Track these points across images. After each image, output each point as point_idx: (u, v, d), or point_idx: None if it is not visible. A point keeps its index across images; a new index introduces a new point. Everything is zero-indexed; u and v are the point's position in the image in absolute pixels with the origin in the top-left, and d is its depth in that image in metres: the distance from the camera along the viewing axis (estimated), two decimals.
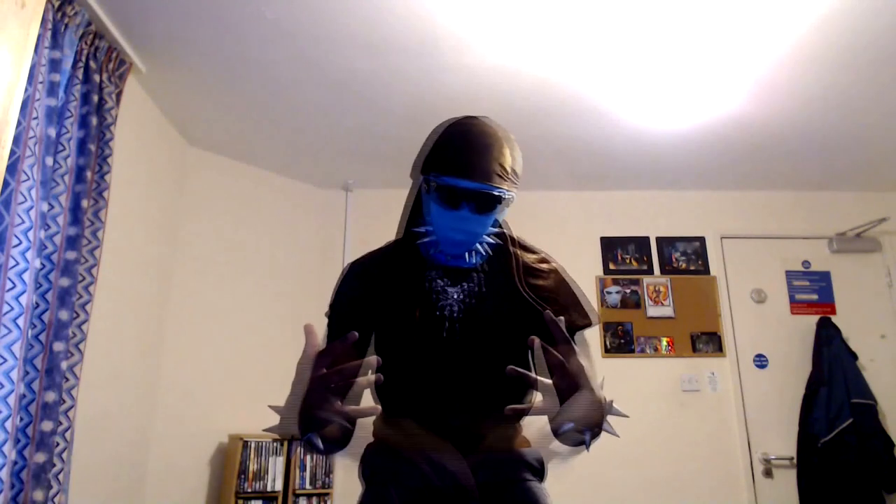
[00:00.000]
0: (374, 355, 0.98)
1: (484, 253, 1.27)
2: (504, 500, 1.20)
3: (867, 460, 3.20)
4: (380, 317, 1.26)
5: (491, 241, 1.26)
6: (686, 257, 3.84)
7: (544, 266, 1.31)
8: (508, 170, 1.19)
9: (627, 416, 1.06)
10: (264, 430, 1.07)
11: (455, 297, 1.24)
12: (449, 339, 1.21)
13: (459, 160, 1.17)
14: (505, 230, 1.30)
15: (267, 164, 3.67)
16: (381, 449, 1.27)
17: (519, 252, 1.30)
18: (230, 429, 3.23)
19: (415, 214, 1.28)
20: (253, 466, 3.01)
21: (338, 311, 1.31)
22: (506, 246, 1.29)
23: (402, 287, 1.26)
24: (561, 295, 1.27)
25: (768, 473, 3.43)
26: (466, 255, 1.25)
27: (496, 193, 1.17)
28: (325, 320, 1.31)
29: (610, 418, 1.07)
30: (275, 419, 1.01)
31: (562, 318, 1.04)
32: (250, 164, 3.66)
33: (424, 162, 1.24)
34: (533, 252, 1.33)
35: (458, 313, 1.23)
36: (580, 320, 1.25)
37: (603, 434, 1.20)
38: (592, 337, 1.31)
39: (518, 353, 1.20)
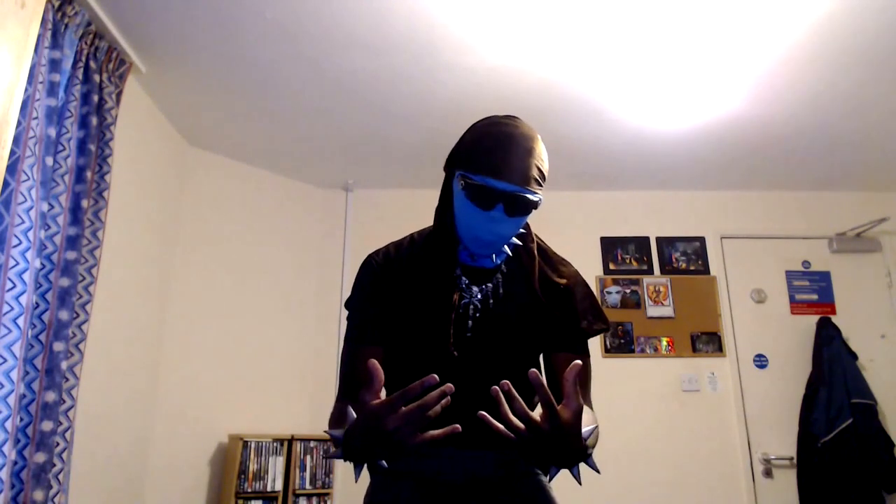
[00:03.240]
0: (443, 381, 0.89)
1: (508, 254, 1.26)
2: (517, 492, 1.22)
3: (867, 460, 3.20)
4: (406, 317, 1.23)
5: (517, 241, 1.25)
6: (686, 257, 3.84)
7: (563, 270, 1.30)
8: (545, 174, 1.17)
9: (599, 472, 1.03)
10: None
11: (477, 296, 1.23)
12: (467, 338, 1.21)
13: (498, 159, 1.10)
14: (527, 231, 1.29)
15: (267, 164, 3.67)
16: None
17: (538, 255, 1.28)
18: (230, 429, 3.23)
19: (445, 211, 1.24)
20: (253, 466, 3.01)
21: (362, 310, 1.26)
22: (528, 247, 1.27)
23: (432, 288, 1.22)
24: (579, 299, 1.27)
25: (768, 473, 3.43)
26: (493, 256, 1.24)
27: (532, 198, 1.12)
28: (327, 319, 1.31)
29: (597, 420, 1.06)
30: (275, 422, 1.00)
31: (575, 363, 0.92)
32: (250, 165, 3.67)
33: (459, 157, 1.18)
34: (552, 255, 1.32)
35: (476, 312, 1.22)
36: (598, 325, 1.27)
37: (602, 433, 1.22)
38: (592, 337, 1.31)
39: (530, 357, 1.27)
